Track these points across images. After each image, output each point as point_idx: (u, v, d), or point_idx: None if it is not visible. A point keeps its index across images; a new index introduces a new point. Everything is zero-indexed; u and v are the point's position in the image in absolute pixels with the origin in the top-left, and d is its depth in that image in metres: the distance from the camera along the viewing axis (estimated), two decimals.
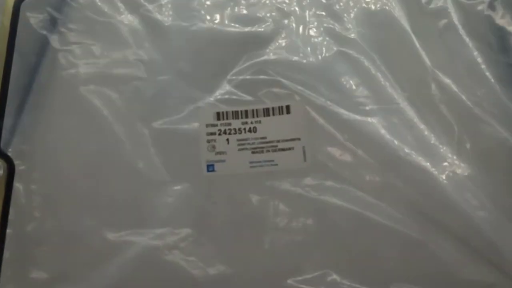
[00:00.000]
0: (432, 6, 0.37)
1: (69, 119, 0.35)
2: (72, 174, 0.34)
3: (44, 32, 0.36)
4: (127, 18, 0.37)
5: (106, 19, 0.36)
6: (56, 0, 0.36)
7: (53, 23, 0.36)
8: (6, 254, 0.32)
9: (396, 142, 0.34)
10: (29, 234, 0.33)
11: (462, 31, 0.36)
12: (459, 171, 0.34)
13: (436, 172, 0.34)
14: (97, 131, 0.35)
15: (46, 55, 0.35)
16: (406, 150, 0.34)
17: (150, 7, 0.37)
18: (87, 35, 0.36)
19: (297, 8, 0.38)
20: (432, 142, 0.35)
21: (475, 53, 0.36)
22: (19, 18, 0.34)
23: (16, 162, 0.34)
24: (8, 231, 0.32)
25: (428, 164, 0.34)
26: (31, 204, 0.33)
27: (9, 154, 0.33)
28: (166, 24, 0.37)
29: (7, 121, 0.33)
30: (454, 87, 0.35)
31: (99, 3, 0.36)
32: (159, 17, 0.37)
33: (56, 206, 0.34)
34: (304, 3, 0.38)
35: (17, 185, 0.33)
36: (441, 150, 0.34)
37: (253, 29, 0.37)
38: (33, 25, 0.35)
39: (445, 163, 0.34)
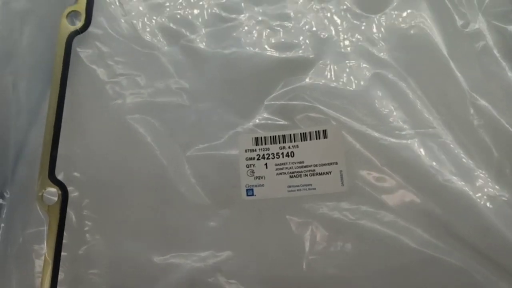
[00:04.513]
0: (468, 29, 0.37)
1: (116, 147, 0.37)
2: (120, 200, 0.36)
3: (93, 66, 0.38)
4: (169, 49, 0.39)
5: (150, 50, 0.38)
6: (104, 35, 0.38)
7: (101, 57, 0.38)
8: (61, 275, 0.34)
9: (433, 167, 0.35)
10: (81, 256, 0.35)
11: (498, 54, 0.36)
12: (499, 196, 0.34)
13: (475, 197, 0.34)
14: (143, 158, 0.37)
15: (95, 87, 0.38)
16: (444, 175, 0.34)
17: (191, 37, 0.39)
18: (132, 66, 0.38)
19: (333, 33, 0.39)
20: (471, 166, 0.35)
21: None
22: (71, 52, 0.36)
23: (68, 188, 0.36)
24: (62, 254, 0.35)
25: (467, 189, 0.34)
26: (82, 229, 0.35)
27: (63, 181, 0.36)
28: (206, 53, 0.39)
29: (61, 149, 0.36)
30: (492, 111, 0.35)
31: (143, 36, 0.38)
32: (199, 46, 0.39)
33: (105, 231, 0.36)
34: (340, 28, 0.39)
35: (70, 211, 0.35)
36: (480, 174, 0.34)
37: (290, 55, 0.38)
38: (83, 59, 0.38)
39: (485, 188, 0.34)
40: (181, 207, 0.36)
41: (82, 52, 0.38)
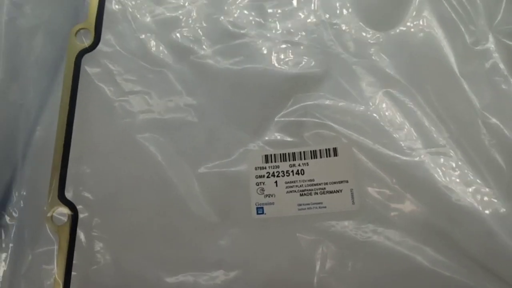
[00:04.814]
0: (478, 47, 0.37)
1: (126, 166, 0.37)
2: (129, 219, 0.36)
3: (102, 84, 0.37)
4: (179, 66, 0.38)
5: (159, 68, 0.38)
6: (113, 53, 0.38)
7: (110, 75, 0.38)
8: None
9: (445, 185, 0.35)
10: (91, 277, 0.35)
11: (508, 72, 0.36)
12: (510, 215, 0.34)
13: (486, 216, 0.34)
14: (153, 177, 0.36)
15: (104, 106, 0.37)
16: (455, 194, 0.34)
17: (200, 54, 0.39)
18: (141, 84, 0.38)
19: (343, 50, 0.38)
20: (482, 185, 0.34)
21: None
22: (80, 71, 0.36)
23: (78, 207, 0.36)
24: (72, 273, 0.34)
25: (478, 208, 0.34)
26: (92, 249, 0.35)
27: (72, 201, 0.35)
28: (215, 69, 0.38)
29: (70, 169, 0.36)
30: (504, 130, 0.35)
31: (152, 53, 0.38)
32: (208, 63, 0.38)
33: (115, 250, 0.35)
34: (350, 45, 0.38)
35: (79, 230, 0.35)
36: (492, 193, 0.34)
37: (300, 71, 0.38)
38: (92, 78, 0.37)
39: (496, 207, 0.34)
40: (192, 225, 0.36)
41: (91, 70, 0.37)
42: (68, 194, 0.36)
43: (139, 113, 0.37)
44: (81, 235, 0.35)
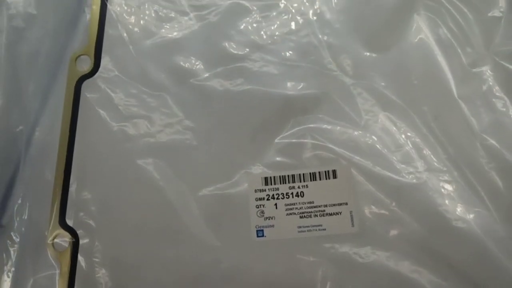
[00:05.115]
0: (475, 69, 0.37)
1: (126, 191, 0.37)
2: (131, 245, 0.36)
3: (102, 110, 0.38)
4: (179, 90, 0.39)
5: (159, 92, 0.38)
6: (112, 78, 0.38)
7: (109, 100, 0.38)
8: None
9: (444, 208, 0.35)
10: None
11: (506, 94, 0.36)
12: (509, 238, 0.34)
13: (484, 239, 0.34)
14: (153, 201, 0.36)
15: (104, 132, 0.37)
16: (454, 216, 0.34)
17: (200, 77, 0.39)
18: (142, 108, 0.38)
19: (342, 72, 0.39)
20: (481, 207, 0.35)
21: None
22: (80, 98, 0.36)
23: (78, 232, 0.36)
24: None
25: (477, 230, 0.34)
26: (94, 275, 0.35)
27: (73, 227, 0.36)
28: (215, 92, 0.39)
29: (71, 195, 0.36)
30: (502, 152, 0.35)
31: (152, 77, 0.38)
32: (208, 86, 0.39)
33: (117, 277, 0.35)
34: (348, 66, 0.39)
35: (81, 256, 0.35)
36: (490, 216, 0.34)
37: (299, 93, 0.38)
38: (92, 104, 0.38)
39: (494, 230, 0.34)
40: (192, 249, 0.36)
41: (91, 96, 0.38)
42: (69, 220, 0.36)
43: (139, 137, 0.38)
44: (82, 261, 0.36)
